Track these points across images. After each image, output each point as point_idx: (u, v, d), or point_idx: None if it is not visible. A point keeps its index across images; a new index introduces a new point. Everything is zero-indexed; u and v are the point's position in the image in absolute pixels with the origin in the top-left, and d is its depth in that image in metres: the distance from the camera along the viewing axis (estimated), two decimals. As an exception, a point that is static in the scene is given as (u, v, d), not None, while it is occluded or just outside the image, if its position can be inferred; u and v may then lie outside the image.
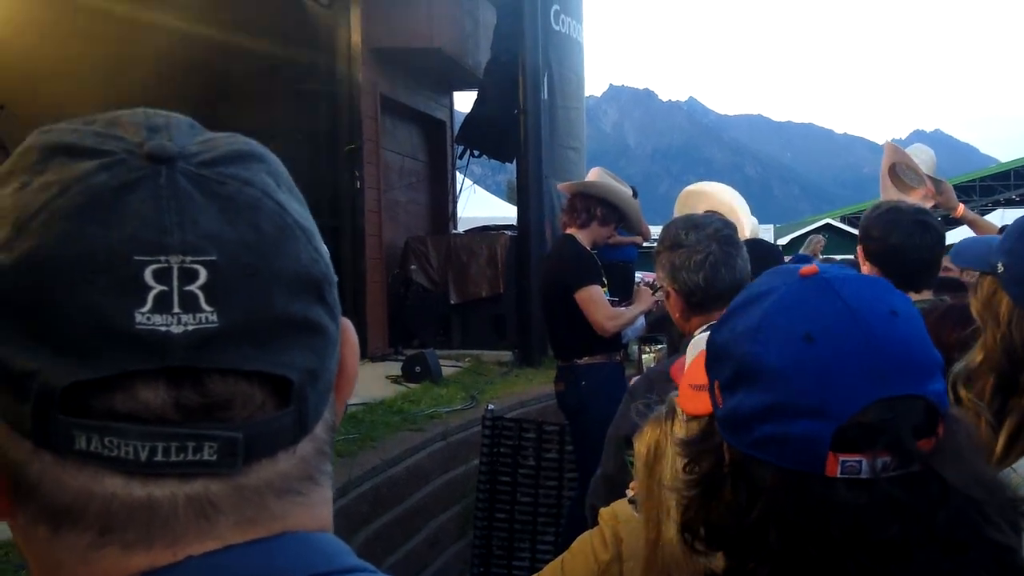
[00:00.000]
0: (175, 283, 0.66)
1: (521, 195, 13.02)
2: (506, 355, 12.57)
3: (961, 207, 4.61)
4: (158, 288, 0.66)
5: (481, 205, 21.08)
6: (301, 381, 0.72)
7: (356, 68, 12.61)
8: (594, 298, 5.69)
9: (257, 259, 0.70)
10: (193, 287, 0.67)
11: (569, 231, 6.02)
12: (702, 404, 1.26)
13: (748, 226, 5.29)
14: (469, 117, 14.17)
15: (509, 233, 14.11)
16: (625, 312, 5.83)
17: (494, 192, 33.92)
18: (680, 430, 2.13)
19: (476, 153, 14.67)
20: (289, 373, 0.71)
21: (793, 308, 1.15)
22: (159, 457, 0.67)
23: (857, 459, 1.09)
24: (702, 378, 1.27)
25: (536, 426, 7.46)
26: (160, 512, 0.68)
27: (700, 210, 5.32)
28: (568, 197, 6.25)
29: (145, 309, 0.66)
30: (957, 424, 1.18)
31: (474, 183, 18.25)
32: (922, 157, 5.37)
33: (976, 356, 1.97)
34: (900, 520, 1.09)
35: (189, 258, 0.67)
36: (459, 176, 16.26)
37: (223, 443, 0.68)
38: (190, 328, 0.67)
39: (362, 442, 7.56)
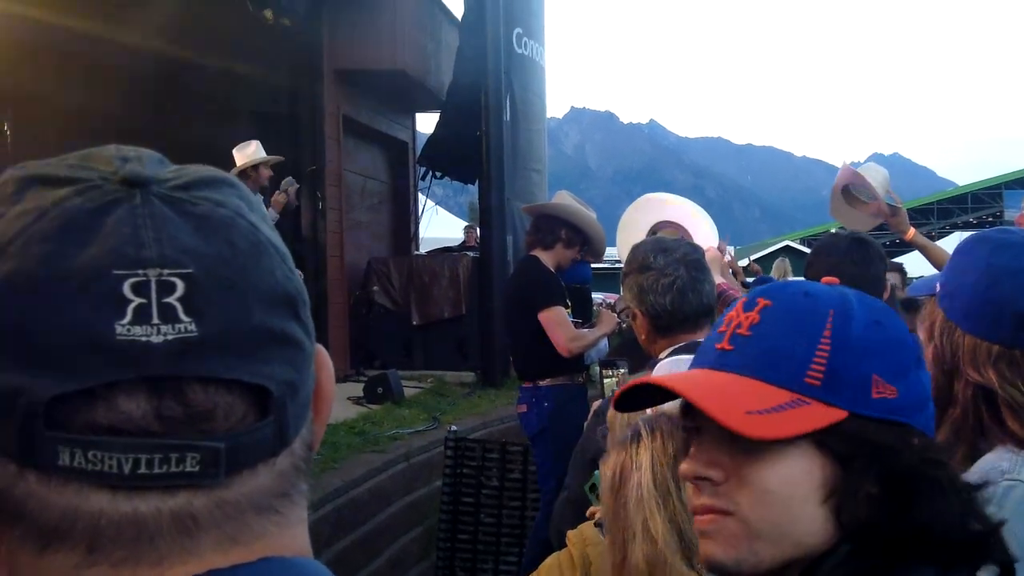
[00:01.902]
0: (153, 295, 0.67)
1: (483, 216, 13.04)
2: (469, 376, 12.57)
3: (912, 231, 4.68)
4: (137, 301, 0.67)
5: (443, 226, 21.11)
6: (280, 392, 0.73)
7: (319, 89, 12.61)
8: (558, 319, 5.70)
9: (233, 272, 0.71)
10: (171, 299, 0.68)
11: (534, 252, 6.03)
12: (808, 418, 1.18)
13: (714, 234, 5.31)
14: (431, 138, 14.17)
15: (471, 254, 14.13)
16: (588, 334, 5.85)
17: (456, 213, 33.95)
18: (609, 469, 2.10)
19: (438, 174, 14.68)
20: (268, 383, 0.72)
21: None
22: (143, 469, 0.67)
23: None
24: (770, 400, 1.19)
25: (499, 447, 7.46)
26: (146, 529, 0.69)
27: (654, 219, 5.35)
28: (533, 219, 6.27)
29: (125, 321, 0.66)
30: None
31: (436, 204, 18.26)
32: (876, 177, 5.43)
33: None
34: None
35: (167, 271, 0.68)
36: (421, 197, 16.25)
37: (205, 453, 0.69)
38: (170, 338, 0.67)
39: (324, 463, 7.52)
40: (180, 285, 0.69)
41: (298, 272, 0.81)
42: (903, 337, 1.25)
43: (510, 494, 7.26)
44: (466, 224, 20.82)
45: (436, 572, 7.31)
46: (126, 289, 0.67)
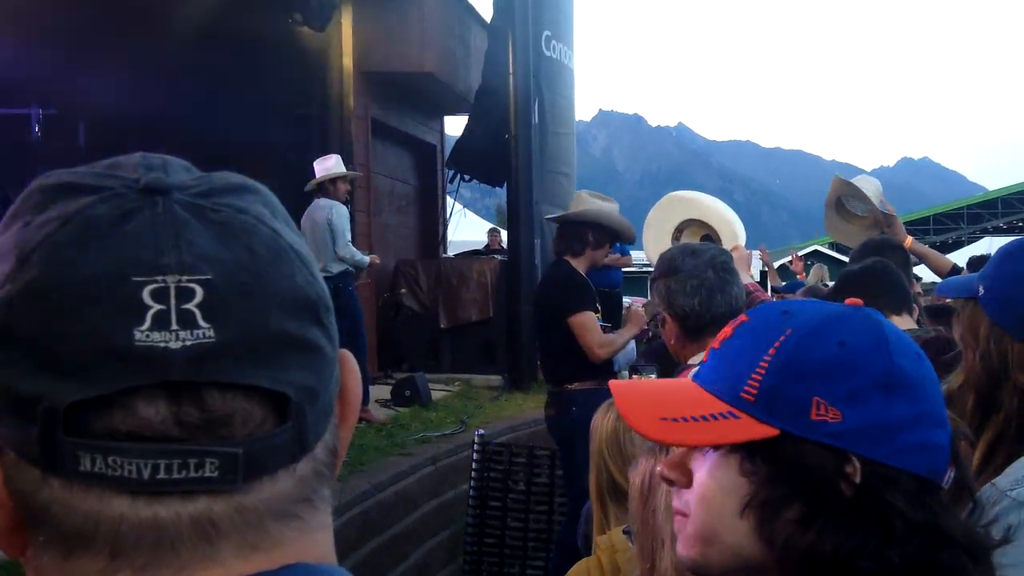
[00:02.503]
0: (172, 302, 0.68)
1: (511, 219, 13.05)
2: (496, 379, 12.58)
3: (910, 239, 4.66)
4: (156, 307, 0.68)
5: (471, 229, 21.13)
6: (299, 398, 0.73)
7: (347, 92, 12.65)
8: (587, 324, 5.70)
9: (252, 278, 0.72)
10: (190, 305, 0.68)
11: (564, 257, 6.04)
12: (734, 430, 1.20)
13: (742, 232, 5.29)
14: (460, 141, 14.20)
15: (499, 257, 14.14)
16: (616, 338, 5.83)
17: (484, 216, 33.99)
18: (638, 477, 2.12)
19: (466, 177, 14.70)
20: (286, 389, 0.72)
21: (891, 327, 1.22)
22: (161, 475, 0.68)
23: (952, 470, 1.20)
24: (702, 408, 1.23)
25: (527, 451, 7.46)
26: (167, 534, 0.69)
27: (680, 217, 5.34)
28: (558, 227, 6.28)
29: (144, 327, 0.67)
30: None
31: (464, 207, 18.29)
32: (868, 187, 5.40)
33: (957, 379, 2.04)
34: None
35: (185, 277, 0.69)
36: (449, 200, 16.28)
37: (224, 459, 0.69)
38: (188, 344, 0.68)
39: (351, 466, 7.54)
40: (199, 291, 0.69)
41: (320, 277, 0.80)
42: (867, 363, 1.17)
43: (537, 499, 7.25)
44: (490, 227, 20.85)
45: (463, 576, 7.30)
46: (145, 295, 0.68)
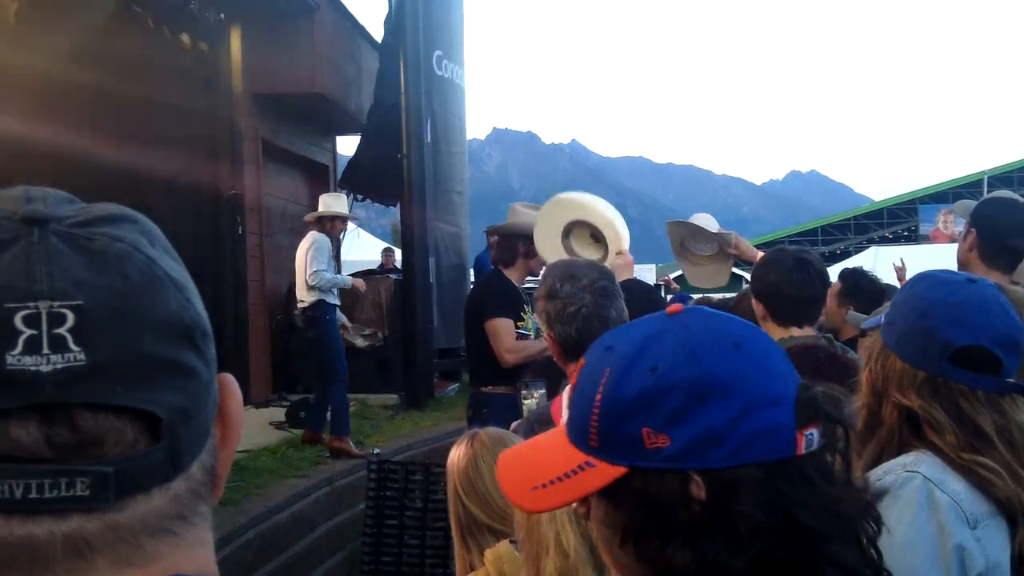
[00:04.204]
0: (44, 327, 0.71)
1: (405, 239, 13.03)
2: (392, 398, 12.55)
3: (760, 253, 4.78)
4: (28, 332, 0.70)
5: (366, 248, 21.00)
6: (171, 419, 0.76)
7: (237, 113, 12.53)
8: (498, 330, 5.77)
9: (124, 303, 0.75)
10: (61, 330, 0.71)
11: (499, 267, 6.15)
12: (593, 479, 1.25)
13: (625, 232, 5.36)
14: (352, 161, 14.13)
15: (393, 276, 14.09)
16: (531, 345, 5.90)
17: (379, 236, 33.79)
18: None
19: (360, 197, 14.64)
20: (157, 410, 0.75)
21: (704, 329, 1.24)
22: (33, 494, 0.70)
23: (811, 431, 1.20)
24: (561, 467, 1.27)
25: (423, 468, 7.45)
26: (40, 552, 0.71)
27: (567, 218, 5.40)
28: (495, 240, 6.38)
29: (16, 352, 0.70)
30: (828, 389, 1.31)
31: (358, 226, 18.18)
32: (703, 221, 5.53)
33: (858, 400, 2.15)
34: (840, 476, 1.24)
35: (57, 303, 0.71)
36: (343, 220, 16.17)
37: (95, 478, 0.72)
38: (59, 367, 0.71)
39: (246, 489, 7.47)
40: (70, 316, 0.72)
41: (200, 304, 0.84)
42: (677, 381, 1.20)
43: (434, 516, 7.24)
44: (384, 247, 20.75)
45: (360, 596, 7.27)
46: (17, 321, 0.70)
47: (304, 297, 9.27)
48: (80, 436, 0.72)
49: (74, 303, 0.72)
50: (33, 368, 0.70)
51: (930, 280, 2.10)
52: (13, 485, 0.70)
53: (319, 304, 9.25)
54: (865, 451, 2.07)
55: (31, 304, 0.71)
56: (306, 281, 9.18)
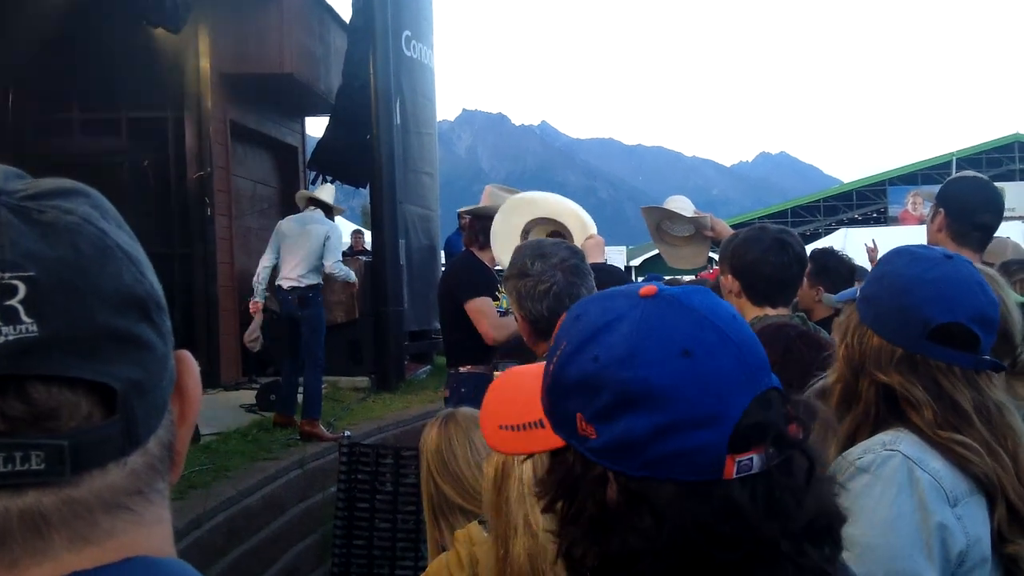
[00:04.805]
0: None
1: (375, 220, 12.99)
2: (363, 381, 12.52)
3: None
4: None
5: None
6: (125, 391, 0.75)
7: (205, 94, 12.45)
8: (481, 309, 5.78)
9: (76, 275, 0.73)
10: (12, 301, 0.70)
11: (470, 248, 6.15)
12: (538, 441, 1.25)
13: (589, 221, 5.36)
14: (321, 142, 14.06)
15: (363, 259, 14.05)
16: (511, 322, 5.91)
17: (349, 218, 33.68)
18: (491, 467, 2.19)
19: (329, 178, 14.58)
20: (112, 382, 0.74)
21: (659, 327, 1.17)
22: None
23: (749, 457, 1.13)
24: (526, 416, 1.27)
25: (393, 452, 7.44)
26: None
27: (524, 220, 5.40)
28: (467, 222, 6.36)
29: None
30: (804, 405, 1.24)
31: (328, 208, 18.10)
32: (679, 204, 5.54)
33: (832, 375, 2.17)
34: (784, 504, 1.15)
35: (8, 275, 0.70)
36: (312, 202, 16.11)
37: (49, 451, 0.71)
38: (11, 338, 0.69)
39: (216, 472, 7.44)
40: (22, 288, 0.71)
41: (153, 276, 0.82)
42: (610, 379, 1.16)
43: (405, 499, 7.24)
44: (353, 229, 20.68)
45: (332, 579, 7.26)
46: None
47: (304, 279, 9.37)
48: (33, 409, 0.71)
49: (25, 275, 0.71)
50: None
51: (908, 256, 2.09)
52: None
53: (316, 287, 9.50)
54: (841, 427, 2.07)
55: None
56: (318, 265, 9.44)
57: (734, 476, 1.13)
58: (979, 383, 1.97)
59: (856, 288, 2.29)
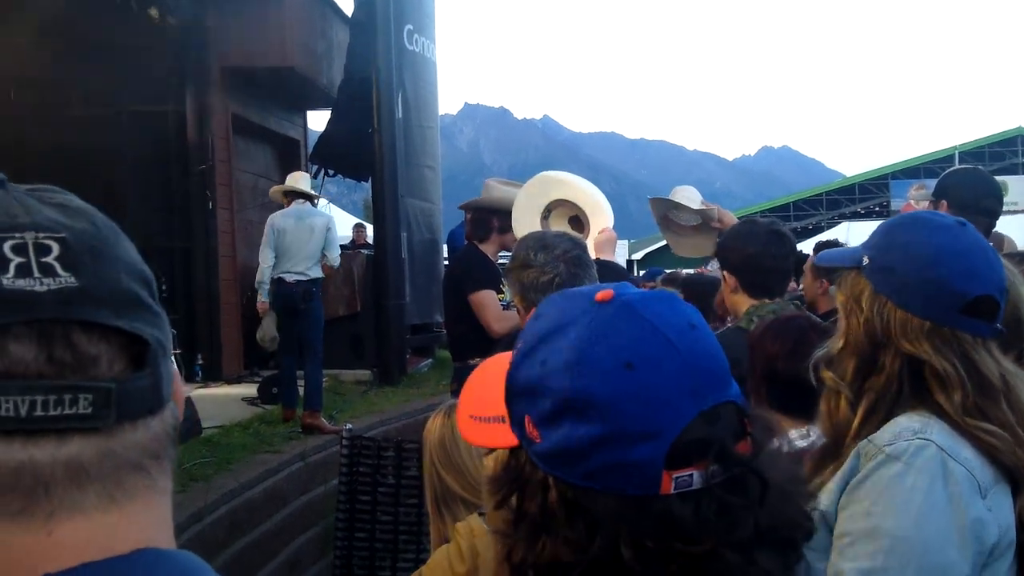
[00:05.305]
0: (32, 255, 0.74)
1: (377, 214, 12.99)
2: (365, 374, 12.54)
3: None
4: (17, 259, 0.73)
5: (337, 224, 20.94)
6: (155, 348, 0.79)
7: (207, 88, 12.45)
8: (484, 302, 5.78)
9: (99, 243, 0.79)
10: (49, 259, 0.74)
11: (473, 242, 6.15)
12: (499, 437, 1.25)
13: (610, 217, 5.36)
14: (323, 136, 14.06)
15: (365, 252, 14.05)
16: (515, 314, 5.92)
17: (351, 211, 33.72)
18: (492, 460, 2.19)
19: (331, 172, 14.58)
20: (145, 335, 0.78)
21: (606, 336, 1.15)
22: (39, 411, 0.72)
23: (688, 473, 1.10)
24: (493, 410, 1.27)
25: (395, 445, 7.44)
26: (42, 477, 0.73)
27: (547, 200, 5.40)
28: (470, 214, 6.37)
29: (9, 275, 0.73)
30: (762, 421, 1.22)
31: (330, 202, 18.11)
32: (686, 195, 5.54)
33: (837, 342, 2.12)
34: (730, 521, 1.12)
35: (42, 234, 0.75)
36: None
37: (98, 394, 0.74)
38: (52, 287, 0.73)
39: (218, 465, 7.46)
40: (55, 247, 0.75)
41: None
42: (554, 386, 1.14)
43: (407, 492, 7.24)
44: (355, 223, 20.67)
45: (333, 572, 7.25)
46: (6, 249, 0.73)
47: (309, 272, 9.45)
48: (78, 355, 0.74)
49: (58, 235, 0.76)
50: (28, 288, 0.73)
51: (926, 224, 2.05)
52: (18, 402, 0.71)
53: (319, 281, 9.63)
54: (863, 400, 2.02)
55: (17, 235, 0.75)
56: (320, 258, 9.55)
57: (672, 492, 1.10)
58: (995, 352, 1.96)
59: (846, 250, 2.24)
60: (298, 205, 9.69)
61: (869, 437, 1.95)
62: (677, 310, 1.20)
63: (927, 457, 1.86)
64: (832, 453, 2.04)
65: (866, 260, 2.08)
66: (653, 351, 1.13)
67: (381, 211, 12.77)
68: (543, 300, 1.29)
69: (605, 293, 1.19)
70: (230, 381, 12.33)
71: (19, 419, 0.71)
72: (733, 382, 1.19)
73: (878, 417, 1.99)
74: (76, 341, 0.74)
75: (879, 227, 2.17)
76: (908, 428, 1.92)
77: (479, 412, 1.30)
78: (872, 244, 2.11)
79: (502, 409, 1.24)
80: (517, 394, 1.20)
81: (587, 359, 1.13)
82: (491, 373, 1.37)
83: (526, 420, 1.17)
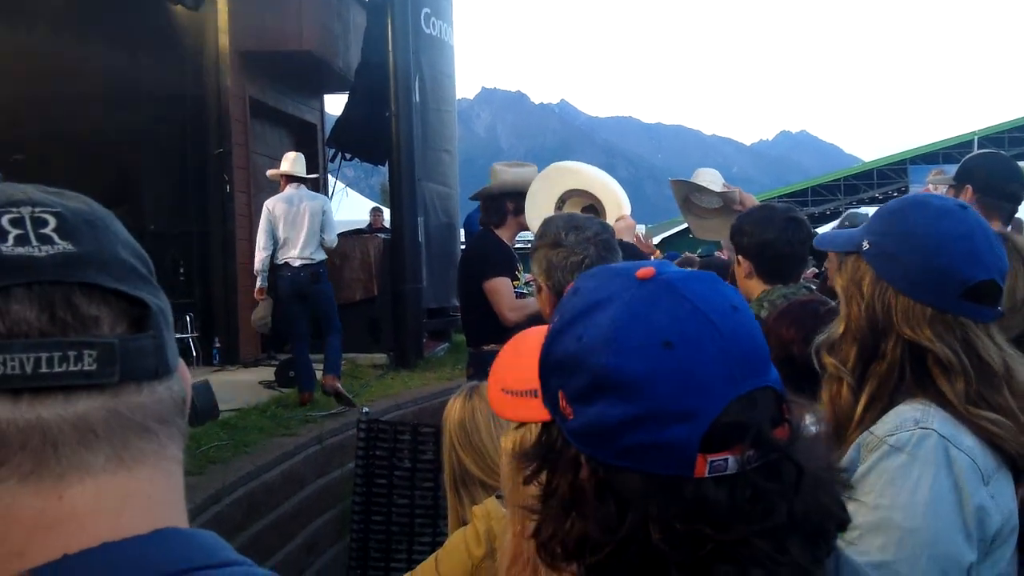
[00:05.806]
0: (29, 227, 0.76)
1: (394, 198, 12.97)
2: (381, 358, 12.56)
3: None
4: (15, 231, 0.76)
5: (354, 208, 20.96)
6: (156, 312, 0.80)
7: (224, 72, 12.47)
8: (499, 290, 5.77)
9: (95, 220, 0.81)
10: (46, 230, 0.77)
11: (489, 227, 6.14)
12: (531, 411, 1.24)
13: (626, 201, 5.36)
14: (340, 120, 14.05)
15: (382, 236, 14.06)
16: (529, 303, 5.90)
17: (368, 195, 33.72)
18: (510, 441, 2.19)
19: (348, 156, 14.57)
20: (146, 299, 0.80)
21: (645, 314, 1.12)
22: (43, 368, 0.73)
23: (724, 457, 1.08)
24: (526, 383, 1.26)
25: (411, 428, 7.47)
26: (51, 436, 0.74)
27: (562, 188, 5.39)
28: (482, 201, 6.35)
29: (8, 244, 0.75)
30: (800, 408, 1.19)
31: (346, 186, 18.12)
32: (708, 178, 5.52)
33: (839, 327, 2.11)
34: (764, 507, 1.10)
35: (38, 209, 0.78)
36: (331, 179, 16.12)
37: (102, 350, 0.75)
38: (51, 252, 0.76)
39: (235, 448, 7.48)
40: (52, 220, 0.78)
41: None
42: (590, 362, 1.12)
43: (423, 476, 7.28)
44: (372, 206, 20.69)
45: (350, 554, 7.30)
46: (4, 222, 0.76)
47: (315, 256, 9.66)
48: (79, 316, 0.75)
49: (54, 210, 0.79)
50: (28, 254, 0.75)
51: (926, 209, 2.02)
52: (23, 359, 0.72)
53: (324, 262, 9.82)
54: (866, 386, 2.02)
55: (14, 209, 0.78)
56: (320, 240, 9.71)
57: (706, 475, 1.09)
58: (996, 337, 1.95)
59: (849, 233, 2.18)
60: (292, 189, 9.79)
61: (871, 429, 1.94)
62: (719, 291, 1.18)
63: (930, 446, 1.85)
64: (834, 440, 2.04)
65: (866, 244, 2.05)
66: (693, 331, 1.11)
67: (398, 195, 12.75)
68: (581, 275, 1.27)
69: (647, 271, 1.17)
70: (247, 364, 12.38)
71: (25, 376, 0.72)
72: (772, 367, 1.17)
73: (881, 404, 1.99)
74: (77, 302, 0.75)
75: (879, 210, 2.14)
76: (909, 418, 1.91)
77: (511, 385, 1.29)
78: (872, 228, 2.08)
79: (535, 383, 1.23)
80: (551, 369, 1.19)
81: (625, 336, 1.11)
82: (526, 346, 1.36)
83: (560, 396, 1.16)
